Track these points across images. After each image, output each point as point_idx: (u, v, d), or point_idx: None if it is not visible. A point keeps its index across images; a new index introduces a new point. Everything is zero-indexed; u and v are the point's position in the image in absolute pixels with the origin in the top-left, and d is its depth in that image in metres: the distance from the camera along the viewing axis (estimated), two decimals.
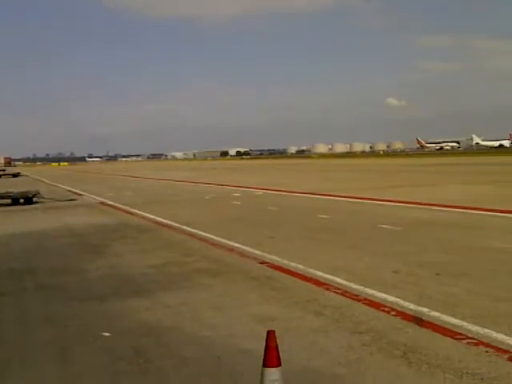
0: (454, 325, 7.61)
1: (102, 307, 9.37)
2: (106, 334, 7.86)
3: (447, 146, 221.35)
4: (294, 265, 11.88)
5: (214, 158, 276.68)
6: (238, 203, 27.11)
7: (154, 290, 10.31)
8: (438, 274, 10.58)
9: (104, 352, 7.19)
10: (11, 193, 33.61)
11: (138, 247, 15.31)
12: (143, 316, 8.73)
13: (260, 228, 18.05)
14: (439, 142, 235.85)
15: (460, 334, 7.27)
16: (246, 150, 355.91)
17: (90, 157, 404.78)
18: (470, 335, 7.19)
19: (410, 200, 24.16)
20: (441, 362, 6.42)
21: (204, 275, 11.39)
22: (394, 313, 8.27)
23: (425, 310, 8.31)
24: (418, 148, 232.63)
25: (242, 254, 13.59)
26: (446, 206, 21.49)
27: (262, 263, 12.33)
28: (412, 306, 8.50)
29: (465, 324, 7.60)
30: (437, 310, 8.24)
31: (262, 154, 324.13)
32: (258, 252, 13.56)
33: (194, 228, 18.25)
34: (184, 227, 18.62)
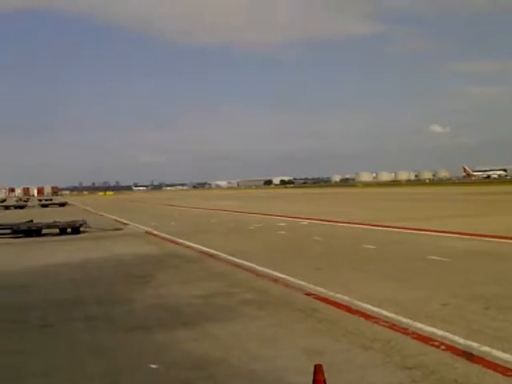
0: (505, 360, 7.44)
1: (149, 338, 9.41)
2: (154, 366, 7.88)
3: (494, 175, 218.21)
4: (340, 296, 11.79)
5: (257, 187, 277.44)
6: (283, 233, 27.08)
7: (200, 321, 10.33)
8: (487, 308, 10.38)
9: None
10: (59, 222, 34.15)
11: (184, 277, 15.37)
12: (190, 347, 8.74)
13: (305, 258, 17.98)
14: (486, 170, 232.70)
15: (511, 370, 7.11)
16: (290, 178, 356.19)
17: (135, 186, 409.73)
18: None
19: (458, 230, 23.82)
20: None
21: (250, 306, 11.38)
22: (443, 347, 8.13)
23: (475, 344, 8.15)
24: (464, 176, 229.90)
25: (288, 284, 13.54)
26: (494, 237, 21.12)
27: (307, 294, 12.26)
28: (461, 341, 8.34)
29: None
30: (487, 345, 8.07)
31: (305, 183, 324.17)
32: (303, 283, 13.50)
33: (239, 258, 18.28)
34: (229, 257, 18.66)
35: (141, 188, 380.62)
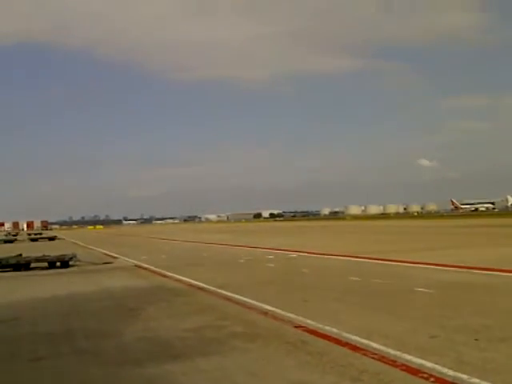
0: None
1: (139, 371, 9.41)
2: None
3: (482, 208, 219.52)
4: (328, 328, 11.83)
5: (247, 220, 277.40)
6: (272, 265, 27.11)
7: (190, 355, 10.33)
8: (476, 340, 10.46)
9: None
10: (48, 256, 34.01)
11: (174, 311, 15.37)
12: (180, 381, 8.76)
13: (294, 291, 18.01)
14: (474, 203, 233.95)
15: None
16: (279, 211, 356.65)
17: (125, 219, 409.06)
18: None
19: (445, 263, 23.93)
20: None
21: (239, 339, 11.40)
22: (432, 379, 8.18)
23: (464, 376, 8.20)
24: (452, 209, 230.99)
25: (277, 317, 13.57)
26: (481, 269, 21.25)
27: (296, 327, 12.29)
28: (451, 373, 8.40)
29: None
30: (476, 377, 8.13)
31: (295, 216, 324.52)
32: (292, 315, 13.52)
33: (228, 291, 18.29)
34: (219, 290, 18.67)
35: (131, 222, 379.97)
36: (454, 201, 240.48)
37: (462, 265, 22.81)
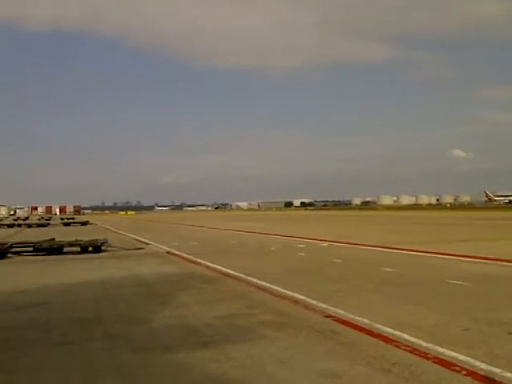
0: None
1: (169, 358, 9.42)
2: None
3: None
4: (360, 319, 11.74)
5: (278, 209, 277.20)
6: (303, 254, 27.04)
7: (219, 342, 10.32)
8: (510, 333, 10.28)
9: None
10: (80, 241, 34.37)
11: (204, 298, 15.38)
12: (209, 368, 8.74)
13: (324, 280, 17.92)
14: (508, 196, 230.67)
15: None
16: (311, 200, 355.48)
17: (158, 206, 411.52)
18: None
19: (479, 255, 23.64)
20: None
21: (269, 328, 11.35)
22: (464, 372, 8.06)
23: (497, 370, 8.07)
24: (486, 201, 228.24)
25: (307, 306, 13.50)
26: None
27: (327, 317, 12.22)
28: (483, 366, 8.26)
29: None
30: (510, 371, 7.99)
31: (326, 205, 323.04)
32: (322, 305, 13.45)
33: (258, 279, 18.26)
34: (249, 278, 18.66)
35: (163, 208, 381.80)
36: (488, 192, 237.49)
37: (496, 257, 22.51)
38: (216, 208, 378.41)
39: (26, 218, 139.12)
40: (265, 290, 16.35)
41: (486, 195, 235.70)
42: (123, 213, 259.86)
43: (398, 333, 10.46)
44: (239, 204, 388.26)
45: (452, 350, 9.16)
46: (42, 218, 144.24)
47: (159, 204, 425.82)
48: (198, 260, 25.55)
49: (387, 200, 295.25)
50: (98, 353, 9.95)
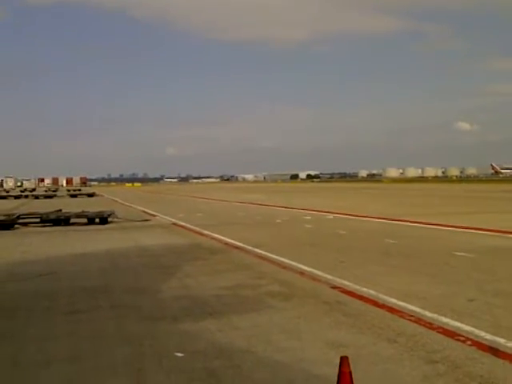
0: None
1: (175, 327, 9.49)
2: (180, 355, 7.95)
3: None
4: (365, 290, 11.78)
5: (284, 181, 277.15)
6: (309, 226, 27.08)
7: (225, 312, 10.38)
8: None
9: (177, 372, 7.28)
10: (87, 212, 34.49)
11: (210, 269, 15.44)
12: (215, 337, 8.80)
13: (331, 252, 17.97)
14: None
15: None
16: (316, 173, 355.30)
17: (166, 178, 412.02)
18: None
19: (485, 227, 23.63)
20: None
21: (275, 298, 11.41)
22: (469, 342, 8.09)
23: (501, 340, 8.10)
24: (492, 174, 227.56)
25: (314, 277, 13.55)
26: None
27: (333, 288, 12.26)
28: (488, 336, 8.30)
29: None
30: None
31: (332, 178, 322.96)
32: (329, 276, 13.50)
33: (264, 250, 18.32)
34: (255, 249, 18.71)
35: (172, 180, 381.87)
36: (494, 165, 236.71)
37: (502, 229, 22.50)
38: (222, 180, 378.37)
39: (33, 190, 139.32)
40: (271, 261, 16.40)
41: (493, 168, 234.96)
42: (129, 185, 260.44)
43: (402, 303, 10.50)
44: (245, 176, 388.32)
45: (456, 321, 9.20)
46: (49, 189, 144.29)
47: (165, 176, 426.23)
48: (205, 231, 25.63)
49: (393, 172, 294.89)
50: (105, 322, 10.01)
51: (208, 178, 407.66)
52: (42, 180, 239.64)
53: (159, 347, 8.36)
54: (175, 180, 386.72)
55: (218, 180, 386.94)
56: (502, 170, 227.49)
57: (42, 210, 37.00)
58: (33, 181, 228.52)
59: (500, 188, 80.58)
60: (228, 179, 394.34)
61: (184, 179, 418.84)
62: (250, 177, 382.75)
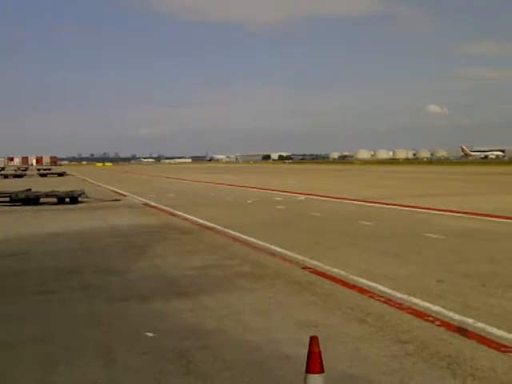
0: (499, 337, 7.49)
1: (145, 307, 9.46)
2: (150, 335, 7.93)
3: (492, 155, 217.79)
4: (336, 271, 11.84)
5: (256, 162, 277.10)
6: (281, 207, 27.11)
7: (196, 292, 10.37)
8: (483, 285, 10.43)
9: (148, 352, 7.25)
10: (57, 192, 34.14)
11: (181, 249, 15.40)
12: (186, 317, 8.79)
13: (302, 233, 18.02)
14: (484, 151, 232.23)
15: (506, 346, 7.15)
16: (288, 154, 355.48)
17: (134, 158, 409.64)
18: None
19: (454, 209, 23.87)
20: (486, 374, 6.33)
21: (246, 279, 11.42)
22: (438, 323, 8.18)
23: (470, 320, 8.20)
24: (462, 156, 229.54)
25: (285, 258, 13.59)
26: (489, 216, 21.20)
27: (304, 268, 12.31)
28: (457, 317, 8.39)
29: (511, 336, 7.47)
30: (482, 322, 8.12)
31: (304, 159, 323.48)
32: (300, 257, 13.54)
33: (236, 231, 18.31)
34: (227, 230, 18.69)
35: (149, 160, 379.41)
36: (464, 147, 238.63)
37: (472, 211, 22.75)
38: (194, 160, 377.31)
39: (2, 169, 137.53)
40: (242, 241, 16.40)
41: (463, 150, 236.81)
42: (100, 164, 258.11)
43: (373, 284, 10.57)
44: (217, 157, 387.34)
45: (426, 301, 9.29)
46: (19, 168, 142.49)
47: (136, 156, 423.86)
48: (176, 212, 25.55)
49: (364, 154, 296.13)
50: (75, 302, 9.95)
51: (180, 158, 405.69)
52: (12, 159, 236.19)
53: (129, 327, 8.34)
54: (152, 160, 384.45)
55: (190, 160, 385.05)
56: (472, 153, 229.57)
57: (11, 189, 36.57)
58: (2, 160, 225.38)
59: (469, 170, 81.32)
60: (200, 159, 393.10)
61: (156, 159, 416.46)
62: (222, 157, 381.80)
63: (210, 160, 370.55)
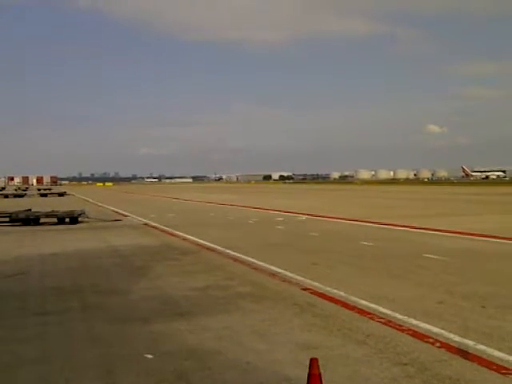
0: (500, 359, 7.48)
1: (145, 329, 9.44)
2: (149, 356, 7.92)
3: (493, 175, 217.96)
4: (336, 292, 11.83)
5: (257, 182, 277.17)
6: (281, 228, 27.12)
7: (196, 313, 10.36)
8: (483, 307, 10.42)
9: (147, 374, 7.24)
10: (57, 212, 34.18)
11: (181, 269, 15.40)
12: (186, 339, 8.77)
13: (302, 254, 18.01)
14: (485, 171, 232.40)
15: (507, 368, 7.14)
16: (289, 174, 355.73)
17: (134, 178, 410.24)
18: None
19: (454, 230, 23.87)
20: None
21: (246, 300, 11.41)
22: (438, 344, 8.16)
23: (470, 342, 8.19)
24: (463, 176, 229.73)
25: (285, 279, 13.58)
26: (490, 237, 21.20)
27: (304, 289, 12.29)
28: (457, 338, 8.38)
29: (511, 358, 7.46)
30: (483, 343, 8.11)
31: (304, 179, 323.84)
32: (300, 278, 13.54)
33: (236, 252, 18.31)
34: (227, 251, 18.69)
35: (153, 180, 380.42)
36: (465, 167, 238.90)
37: (473, 232, 22.73)
38: (194, 180, 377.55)
39: (3, 189, 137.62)
40: (243, 262, 16.40)
41: (463, 170, 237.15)
42: (101, 184, 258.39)
43: (373, 305, 10.56)
44: (218, 176, 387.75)
45: (426, 323, 9.27)
46: (19, 188, 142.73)
47: (143, 176, 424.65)
48: (176, 232, 25.55)
49: (365, 174, 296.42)
50: (75, 324, 9.94)
51: (181, 178, 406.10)
52: (12, 179, 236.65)
53: (129, 349, 8.32)
54: (155, 180, 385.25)
55: (190, 180, 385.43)
56: (473, 173, 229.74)
57: (11, 209, 36.59)
58: (2, 179, 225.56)
59: (471, 191, 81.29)
60: (201, 179, 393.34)
61: (158, 179, 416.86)
62: (223, 177, 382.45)
63: (218, 179, 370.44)
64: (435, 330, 8.88)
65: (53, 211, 34.81)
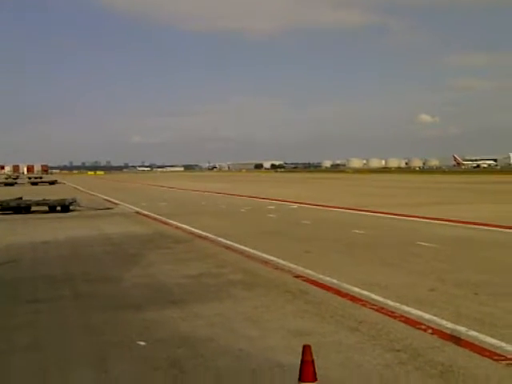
0: (492, 345, 7.49)
1: (138, 316, 9.42)
2: (142, 344, 7.90)
3: (484, 164, 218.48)
4: (328, 279, 11.84)
5: (248, 171, 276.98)
6: (273, 216, 27.12)
7: (189, 301, 10.35)
8: (475, 294, 10.45)
9: (140, 361, 7.22)
10: (48, 200, 34.06)
11: (174, 257, 15.38)
12: (178, 326, 8.76)
13: (295, 242, 18.01)
14: (476, 160, 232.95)
15: (498, 354, 7.15)
16: (281, 163, 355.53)
17: (126, 167, 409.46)
18: (509, 356, 7.07)
19: (446, 217, 23.92)
20: (479, 382, 6.33)
21: (239, 287, 11.41)
22: (430, 331, 8.18)
23: (462, 329, 8.20)
24: (454, 165, 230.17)
25: (277, 267, 13.58)
26: (482, 225, 21.25)
27: (296, 277, 12.30)
28: (449, 325, 8.40)
29: (503, 345, 7.48)
30: (475, 330, 8.13)
31: (296, 168, 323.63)
32: (292, 265, 13.54)
33: (228, 240, 18.29)
34: (219, 239, 18.67)
35: (145, 169, 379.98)
36: (457, 156, 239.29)
37: (464, 220, 22.79)
38: (186, 169, 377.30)
39: None
40: (235, 250, 16.39)
41: (455, 159, 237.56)
42: (92, 173, 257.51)
43: (365, 292, 10.57)
44: (210, 165, 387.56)
45: (418, 310, 9.29)
46: (9, 176, 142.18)
47: (129, 165, 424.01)
48: (168, 220, 25.51)
49: (357, 163, 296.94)
50: (67, 311, 9.91)
51: (172, 166, 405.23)
52: (2, 167, 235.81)
53: (122, 336, 8.30)
54: (147, 168, 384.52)
55: (182, 169, 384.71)
56: (464, 162, 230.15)
57: (1, 198, 36.44)
58: None
59: (462, 180, 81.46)
60: (192, 168, 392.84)
61: (150, 168, 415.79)
62: (217, 166, 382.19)
63: (212, 168, 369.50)
64: (427, 316, 8.90)
65: (44, 199, 34.69)
